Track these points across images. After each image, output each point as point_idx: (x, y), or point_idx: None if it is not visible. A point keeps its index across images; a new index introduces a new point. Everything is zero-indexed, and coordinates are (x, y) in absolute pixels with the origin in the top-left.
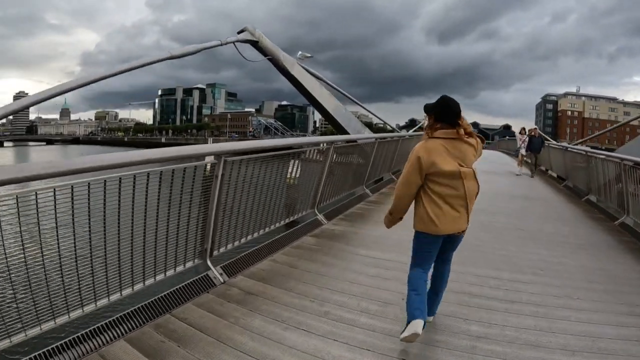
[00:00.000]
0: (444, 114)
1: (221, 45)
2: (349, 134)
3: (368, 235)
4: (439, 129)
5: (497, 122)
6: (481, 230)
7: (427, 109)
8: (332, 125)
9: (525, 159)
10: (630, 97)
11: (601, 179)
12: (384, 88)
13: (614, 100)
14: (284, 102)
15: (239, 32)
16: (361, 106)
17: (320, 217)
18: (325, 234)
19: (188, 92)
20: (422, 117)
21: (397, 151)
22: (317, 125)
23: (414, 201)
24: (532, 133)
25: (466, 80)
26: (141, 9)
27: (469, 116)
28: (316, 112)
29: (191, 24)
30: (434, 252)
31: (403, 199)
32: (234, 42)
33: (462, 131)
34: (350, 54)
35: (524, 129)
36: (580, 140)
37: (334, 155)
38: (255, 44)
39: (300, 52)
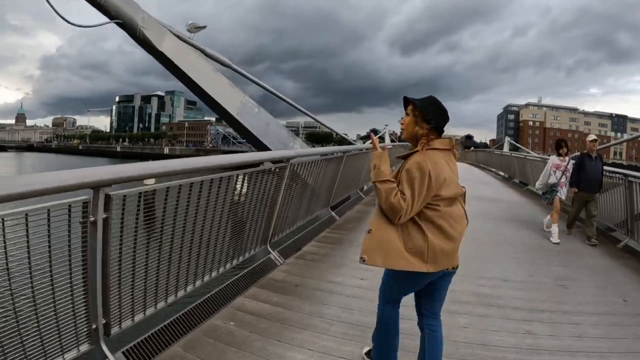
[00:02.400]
0: (442, 121)
1: None
2: (266, 147)
3: None
4: (435, 138)
5: (459, 132)
6: None
7: (429, 112)
8: (242, 135)
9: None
10: (587, 108)
11: None
12: (347, 98)
13: (574, 110)
14: None
15: None
16: (310, 116)
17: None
18: None
19: (147, 99)
20: (382, 128)
21: (340, 174)
22: None
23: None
24: (587, 150)
25: (428, 91)
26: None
27: None
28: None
29: None
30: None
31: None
32: None
33: (453, 141)
34: (315, 63)
35: (564, 142)
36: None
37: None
38: None
39: (190, 22)
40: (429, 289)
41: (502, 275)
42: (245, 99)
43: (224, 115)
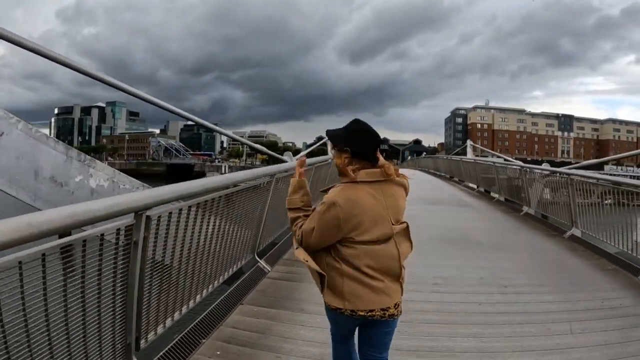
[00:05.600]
0: (364, 144)
1: None
2: None
3: None
4: (359, 168)
5: (406, 137)
6: None
7: (338, 138)
8: None
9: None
10: (532, 109)
11: None
12: (296, 107)
13: (522, 111)
14: (190, 122)
15: None
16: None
17: None
18: None
19: (87, 110)
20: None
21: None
22: (225, 145)
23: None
24: None
25: (376, 99)
26: (50, 19)
27: (379, 133)
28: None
29: (102, 37)
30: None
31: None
32: None
33: (391, 169)
34: (264, 72)
35: None
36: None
37: None
38: None
39: None
40: (365, 336)
41: None
42: None
43: None
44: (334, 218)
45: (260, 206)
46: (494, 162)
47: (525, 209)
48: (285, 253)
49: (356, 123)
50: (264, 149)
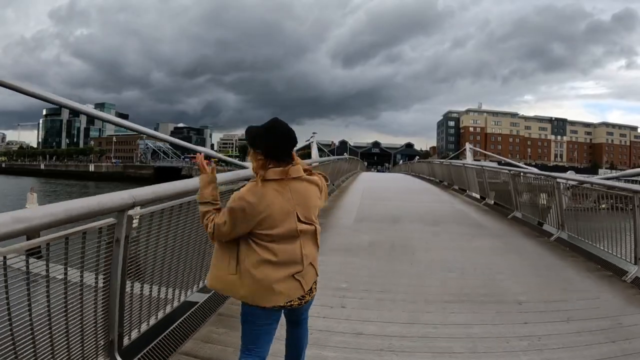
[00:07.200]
0: (273, 147)
1: None
2: None
3: None
4: (272, 167)
5: (398, 141)
6: None
7: (255, 141)
8: None
9: None
10: (523, 113)
11: None
12: (288, 110)
13: (515, 115)
14: (181, 125)
15: None
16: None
17: None
18: None
19: (76, 112)
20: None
21: None
22: (215, 147)
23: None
24: None
25: (368, 102)
26: (43, 19)
27: (371, 136)
28: (214, 134)
29: (95, 39)
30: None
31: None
32: None
33: (294, 170)
34: (257, 75)
35: None
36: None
37: None
38: None
39: None
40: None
41: None
42: None
43: None
44: (241, 212)
45: (103, 269)
46: (509, 170)
47: (554, 231)
48: (186, 340)
49: (272, 126)
50: (216, 153)
